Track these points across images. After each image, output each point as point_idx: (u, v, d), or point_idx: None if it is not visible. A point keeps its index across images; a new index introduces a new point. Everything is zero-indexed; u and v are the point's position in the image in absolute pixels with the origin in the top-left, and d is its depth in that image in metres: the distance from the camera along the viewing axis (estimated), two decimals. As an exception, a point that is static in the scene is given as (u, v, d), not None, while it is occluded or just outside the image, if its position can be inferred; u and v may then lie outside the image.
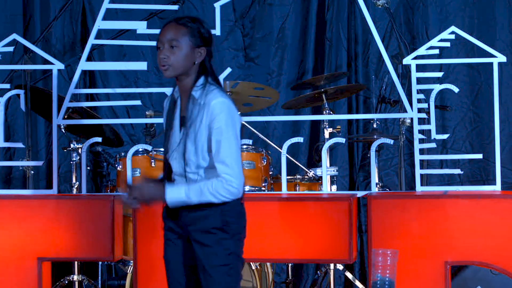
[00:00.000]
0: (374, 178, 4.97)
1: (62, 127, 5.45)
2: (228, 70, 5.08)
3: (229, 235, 3.58)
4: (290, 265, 6.01)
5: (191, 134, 3.56)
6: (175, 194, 3.55)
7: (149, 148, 5.33)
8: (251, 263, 5.25)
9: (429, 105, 4.87)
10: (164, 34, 3.59)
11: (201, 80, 3.60)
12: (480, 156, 5.10)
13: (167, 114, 3.70)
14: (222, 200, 3.54)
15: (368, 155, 5.64)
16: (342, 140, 5.07)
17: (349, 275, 5.73)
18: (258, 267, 5.40)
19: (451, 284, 4.53)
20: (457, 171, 4.98)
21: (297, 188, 5.64)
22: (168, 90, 5.16)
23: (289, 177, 5.48)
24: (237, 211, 3.60)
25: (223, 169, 3.53)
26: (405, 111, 5.00)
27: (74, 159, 5.62)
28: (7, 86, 5.11)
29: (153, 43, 5.09)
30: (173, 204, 3.57)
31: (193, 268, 3.64)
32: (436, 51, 4.89)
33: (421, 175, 4.89)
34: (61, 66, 5.04)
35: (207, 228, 3.57)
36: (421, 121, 4.92)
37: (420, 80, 4.92)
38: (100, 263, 5.81)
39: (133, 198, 3.57)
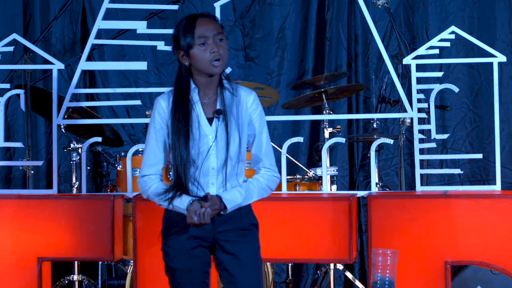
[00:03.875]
0: (374, 178, 4.96)
1: (62, 127, 5.45)
2: (228, 70, 5.06)
3: (258, 230, 3.60)
4: (290, 265, 6.00)
5: (233, 125, 3.46)
6: (233, 201, 3.46)
7: (149, 148, 5.32)
8: (251, 263, 5.24)
9: (429, 105, 4.87)
10: (209, 29, 3.42)
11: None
12: (480, 156, 5.09)
13: (180, 114, 3.47)
14: (271, 192, 3.56)
15: (368, 155, 5.63)
16: (342, 140, 5.07)
17: (349, 275, 5.73)
18: (258, 267, 5.40)
19: (451, 284, 4.53)
20: (457, 171, 4.97)
21: (297, 188, 5.63)
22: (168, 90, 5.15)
23: (289, 177, 5.47)
24: None
25: (270, 161, 3.54)
26: (405, 111, 5.00)
27: (74, 159, 5.62)
28: (7, 86, 5.11)
29: (153, 43, 5.16)
30: (230, 210, 3.47)
31: (207, 273, 3.56)
32: (436, 51, 4.89)
33: (421, 175, 4.88)
34: (61, 66, 5.04)
35: (245, 225, 3.52)
36: (421, 121, 4.92)
37: (420, 80, 4.91)
38: (100, 263, 5.81)
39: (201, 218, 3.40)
